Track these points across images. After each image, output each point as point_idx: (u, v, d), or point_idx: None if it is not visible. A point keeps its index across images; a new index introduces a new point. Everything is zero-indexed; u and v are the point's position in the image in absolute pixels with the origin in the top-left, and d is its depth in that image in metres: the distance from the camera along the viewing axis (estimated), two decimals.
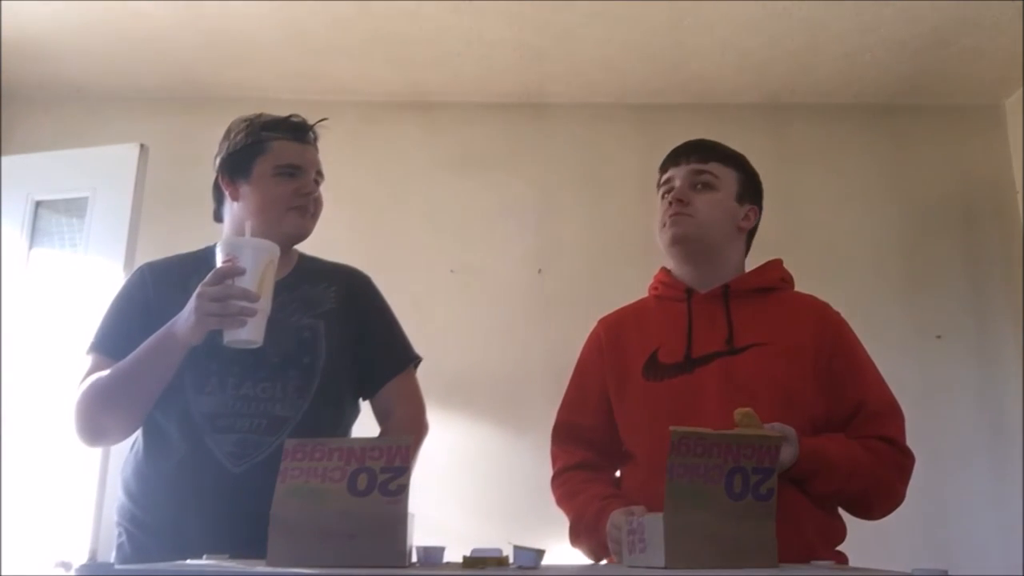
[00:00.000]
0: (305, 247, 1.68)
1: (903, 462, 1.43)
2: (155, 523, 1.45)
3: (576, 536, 1.50)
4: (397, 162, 3.22)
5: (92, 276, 2.63)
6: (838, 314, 1.54)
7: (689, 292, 1.54)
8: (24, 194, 2.81)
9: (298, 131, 1.59)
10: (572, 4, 2.70)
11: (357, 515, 0.96)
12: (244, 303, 1.32)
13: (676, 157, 1.60)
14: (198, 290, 1.34)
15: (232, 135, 1.59)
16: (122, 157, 2.71)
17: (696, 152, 1.58)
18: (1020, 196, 3.18)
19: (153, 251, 2.86)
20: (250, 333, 1.34)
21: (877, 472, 1.39)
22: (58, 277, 2.75)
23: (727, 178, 1.56)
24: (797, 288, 1.61)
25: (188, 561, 1.09)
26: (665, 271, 1.61)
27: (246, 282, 1.33)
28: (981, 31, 2.83)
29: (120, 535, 1.49)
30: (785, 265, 1.62)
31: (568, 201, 3.20)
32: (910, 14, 2.74)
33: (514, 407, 2.97)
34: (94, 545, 2.36)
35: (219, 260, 1.37)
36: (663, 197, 1.57)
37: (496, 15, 2.76)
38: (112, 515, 2.38)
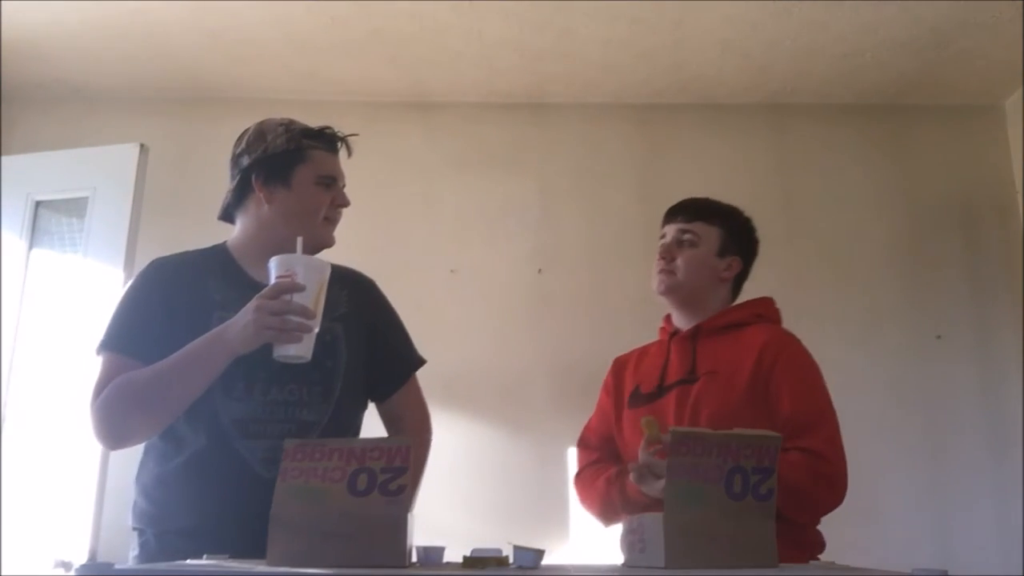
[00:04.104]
0: None
1: (820, 469, 1.53)
2: (183, 528, 1.43)
3: (610, 505, 1.68)
4: (397, 162, 3.22)
5: (92, 276, 2.63)
6: (791, 341, 1.70)
7: (674, 333, 1.79)
8: (24, 194, 2.81)
9: (333, 143, 1.61)
10: (572, 4, 2.70)
11: (357, 515, 0.96)
12: (302, 320, 1.33)
13: (670, 215, 1.83)
14: (257, 303, 1.34)
15: (269, 138, 1.56)
16: (122, 157, 2.71)
17: (684, 212, 1.81)
18: (1020, 196, 3.18)
19: (153, 251, 2.86)
20: (301, 349, 1.35)
21: (788, 484, 1.44)
22: (58, 277, 2.75)
23: (708, 236, 1.78)
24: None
25: (188, 561, 1.09)
26: (667, 318, 1.85)
27: (304, 299, 1.34)
28: (981, 31, 2.83)
29: (142, 535, 1.48)
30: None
31: (568, 201, 3.20)
32: (910, 14, 2.74)
33: (514, 407, 2.97)
34: (94, 545, 2.36)
35: (273, 274, 1.37)
36: (660, 249, 1.80)
37: (496, 15, 2.76)
38: (112, 515, 2.39)
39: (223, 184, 1.63)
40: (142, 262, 2.71)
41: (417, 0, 2.67)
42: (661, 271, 1.77)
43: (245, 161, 1.56)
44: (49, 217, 2.83)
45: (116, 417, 1.43)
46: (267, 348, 1.37)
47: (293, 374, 1.46)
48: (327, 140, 1.59)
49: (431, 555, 1.06)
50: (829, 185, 3.24)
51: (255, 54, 2.99)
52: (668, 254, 1.77)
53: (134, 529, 1.50)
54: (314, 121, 1.62)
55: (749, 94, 3.24)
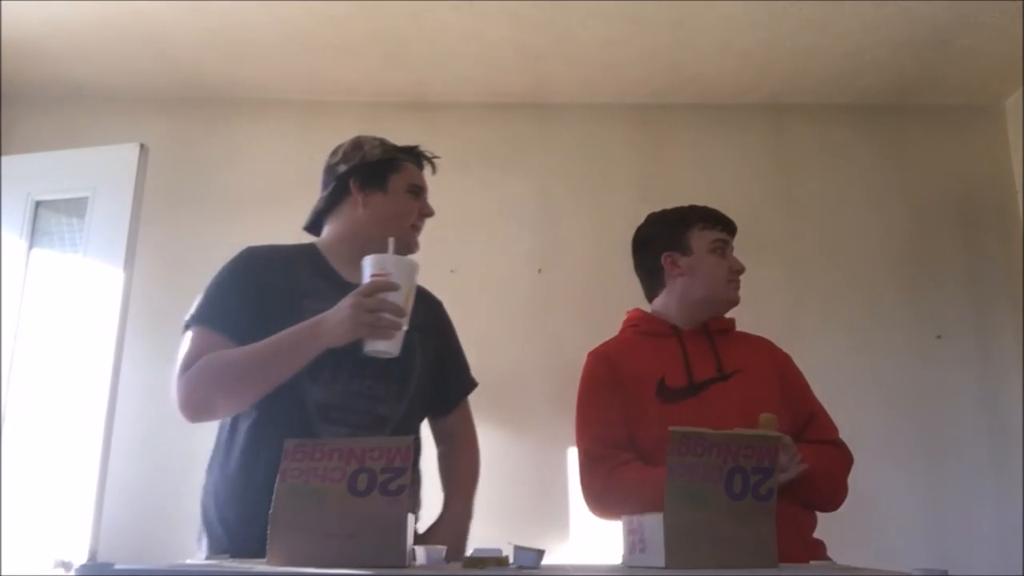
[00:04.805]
0: None
1: (847, 459, 1.70)
2: (257, 512, 1.45)
3: None
4: None
5: (92, 276, 2.63)
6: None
7: (675, 329, 1.78)
8: (24, 194, 2.81)
9: (421, 159, 1.78)
10: (572, 4, 2.70)
11: (357, 515, 0.96)
12: (394, 318, 1.39)
13: (731, 226, 1.84)
14: (353, 299, 1.39)
15: (366, 148, 1.71)
16: (122, 157, 2.71)
17: (733, 228, 1.86)
18: (1020, 196, 3.18)
19: (153, 251, 2.88)
20: (391, 346, 1.42)
21: (833, 476, 1.65)
22: (58, 277, 2.75)
23: None
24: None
25: (188, 561, 1.09)
26: (640, 311, 1.86)
27: (397, 298, 1.40)
28: (981, 31, 2.83)
29: (210, 522, 1.50)
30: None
31: (568, 201, 3.20)
32: (910, 14, 2.74)
33: (514, 407, 2.96)
34: (94, 545, 2.36)
35: (367, 273, 1.43)
36: (715, 251, 1.79)
37: (496, 15, 2.76)
38: (112, 515, 2.38)
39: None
40: (142, 262, 2.71)
41: (417, 0, 2.68)
42: (737, 281, 1.80)
43: (342, 168, 1.69)
44: (49, 217, 2.83)
45: (201, 392, 1.48)
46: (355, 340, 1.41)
47: (373, 369, 1.51)
48: (416, 156, 1.77)
49: (431, 555, 1.06)
50: (829, 185, 3.23)
51: (255, 54, 2.99)
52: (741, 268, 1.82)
53: (204, 514, 1.52)
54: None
55: (749, 94, 3.24)
